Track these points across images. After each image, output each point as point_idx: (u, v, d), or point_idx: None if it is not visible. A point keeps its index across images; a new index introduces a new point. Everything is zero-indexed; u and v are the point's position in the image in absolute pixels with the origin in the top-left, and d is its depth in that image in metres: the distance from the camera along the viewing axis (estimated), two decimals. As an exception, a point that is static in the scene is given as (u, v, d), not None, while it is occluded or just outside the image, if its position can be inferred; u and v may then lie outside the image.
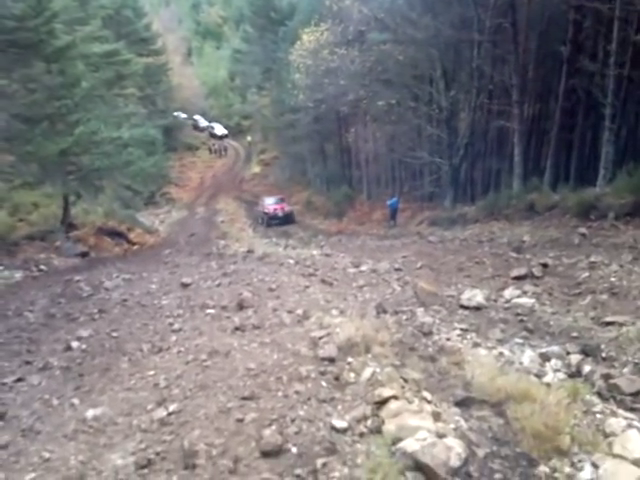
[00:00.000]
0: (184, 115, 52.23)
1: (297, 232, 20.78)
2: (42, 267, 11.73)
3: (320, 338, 5.09)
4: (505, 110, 17.54)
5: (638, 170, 10.84)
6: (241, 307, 7.03)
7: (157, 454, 3.39)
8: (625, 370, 3.97)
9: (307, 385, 4.14)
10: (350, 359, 4.52)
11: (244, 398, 4.01)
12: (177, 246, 16.48)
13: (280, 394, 4.03)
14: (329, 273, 9.26)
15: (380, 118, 24.21)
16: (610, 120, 12.64)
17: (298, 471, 3.01)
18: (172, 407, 4.02)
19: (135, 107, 25.52)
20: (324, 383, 4.17)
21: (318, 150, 33.52)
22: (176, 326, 6.55)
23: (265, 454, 3.20)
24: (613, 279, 6.26)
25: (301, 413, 3.67)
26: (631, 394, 3.60)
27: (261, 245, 16.35)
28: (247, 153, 48.58)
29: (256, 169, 43.12)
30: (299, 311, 6.39)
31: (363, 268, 9.60)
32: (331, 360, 4.56)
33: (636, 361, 4.06)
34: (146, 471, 3.23)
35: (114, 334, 6.45)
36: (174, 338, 6.05)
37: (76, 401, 4.51)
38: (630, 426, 3.25)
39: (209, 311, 7.06)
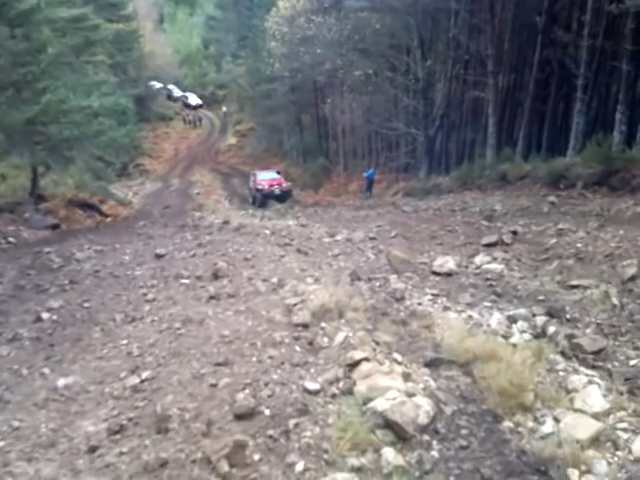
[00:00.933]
0: (160, 85, 50.89)
1: (273, 204, 20.67)
2: (11, 239, 11.44)
3: (294, 305, 5.14)
4: (480, 81, 17.54)
5: (607, 140, 11.06)
6: (216, 277, 7.02)
7: (130, 420, 3.41)
8: (588, 330, 4.11)
9: (281, 350, 4.19)
10: (324, 324, 4.58)
11: (218, 364, 4.03)
12: (151, 218, 16.24)
13: (254, 359, 4.06)
14: (305, 243, 9.28)
15: (357, 88, 24.00)
16: (582, 91, 12.79)
17: (270, 432, 3.06)
18: (145, 374, 4.03)
19: (105, 75, 24.62)
20: (298, 348, 4.23)
21: (295, 121, 33.14)
22: (150, 296, 6.52)
23: (238, 417, 3.24)
24: (579, 245, 6.43)
25: (274, 377, 3.72)
26: (593, 352, 3.74)
27: (237, 217, 16.25)
28: (222, 124, 47.71)
29: (232, 140, 42.46)
30: (274, 279, 6.42)
31: (338, 238, 9.65)
32: (305, 326, 4.61)
33: (598, 322, 4.21)
34: (118, 437, 3.25)
35: (86, 305, 6.38)
36: (147, 308, 6.03)
37: (47, 371, 4.47)
38: (591, 382, 3.39)
39: (183, 281, 7.03)
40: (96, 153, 18.12)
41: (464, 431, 3.06)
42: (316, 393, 3.46)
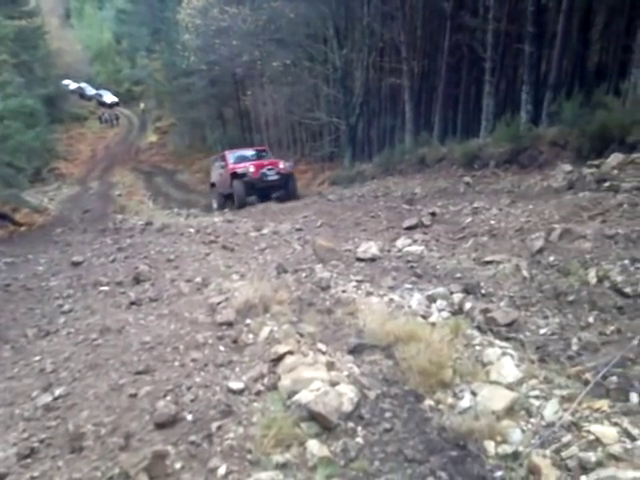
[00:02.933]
0: (75, 84, 48.28)
1: (199, 200, 20.21)
2: None
3: (218, 304, 5.03)
4: (396, 68, 17.94)
5: (515, 120, 11.67)
6: (137, 281, 6.78)
7: (41, 442, 3.19)
8: (501, 304, 4.29)
9: (204, 352, 4.07)
10: (248, 321, 4.50)
11: (138, 373, 3.86)
12: (70, 224, 15.42)
13: (176, 364, 3.93)
14: (230, 239, 9.14)
15: (276, 79, 23.83)
16: (490, 74, 13.37)
17: (193, 438, 2.96)
18: (58, 391, 3.79)
19: (9, 75, 22.87)
20: (222, 347, 4.13)
21: (217, 115, 32.56)
22: (66, 307, 6.20)
23: (159, 425, 3.11)
24: (493, 222, 6.72)
25: (197, 380, 3.61)
26: (506, 325, 3.90)
27: (162, 216, 15.73)
28: (141, 121, 45.98)
29: (153, 138, 41.04)
30: (198, 279, 6.27)
31: (265, 231, 9.58)
32: (229, 324, 4.52)
33: (511, 294, 4.40)
34: (29, 461, 3.03)
35: (-6, 322, 5.96)
36: (63, 320, 5.72)
37: (-52, 399, 4.11)
38: (504, 354, 3.52)
39: (102, 288, 6.74)
40: (4, 159, 16.94)
41: (388, 414, 3.10)
42: (240, 392, 3.39)
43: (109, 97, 49.91)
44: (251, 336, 4.22)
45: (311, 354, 3.70)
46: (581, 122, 9.75)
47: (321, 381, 3.28)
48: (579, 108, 10.30)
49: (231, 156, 15.99)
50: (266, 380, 3.51)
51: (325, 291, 5.30)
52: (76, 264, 8.38)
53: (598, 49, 17.03)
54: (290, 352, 3.72)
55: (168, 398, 3.38)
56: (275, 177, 14.45)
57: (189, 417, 3.17)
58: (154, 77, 40.67)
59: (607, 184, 6.84)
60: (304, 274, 6.06)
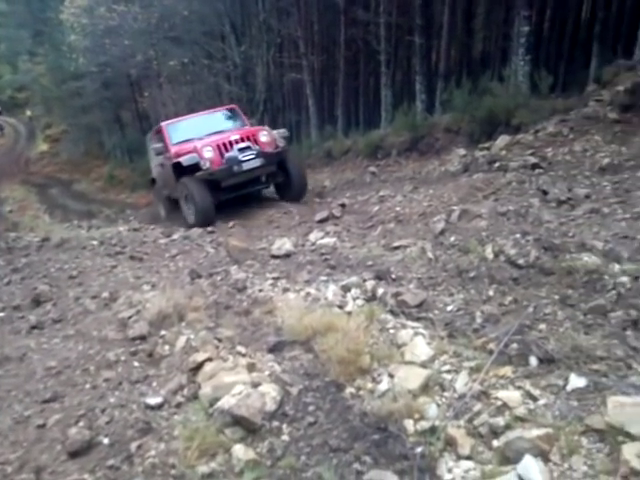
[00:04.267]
0: None
1: (102, 210, 19.20)
2: None
3: (129, 318, 4.79)
4: (296, 63, 18.05)
5: (411, 110, 12.22)
6: (37, 303, 6.27)
7: (-60, 492, 2.89)
8: (411, 286, 4.46)
9: (117, 370, 3.88)
10: (163, 332, 4.34)
11: (45, 401, 3.60)
12: (-45, 249, 13.99)
13: (88, 386, 3.71)
14: (138, 248, 8.72)
15: (175, 79, 23.19)
16: (385, 66, 13.87)
17: (111, 462, 2.81)
18: (-45, 433, 3.45)
19: None
20: (136, 363, 3.95)
21: (113, 119, 31.08)
22: (-43, 341, 5.64)
23: (73, 454, 2.93)
24: (398, 208, 6.98)
25: (112, 400, 3.43)
26: (416, 306, 4.06)
27: (60, 230, 14.67)
28: (29, 130, 42.82)
29: (43, 147, 38.42)
30: (105, 294, 5.92)
31: (175, 236, 9.25)
32: (142, 338, 4.33)
33: (419, 276, 4.59)
34: None
35: None
36: (-46, 355, 5.19)
37: None
38: (416, 334, 3.67)
39: (-2, 315, 6.19)
40: None
41: (311, 407, 3.12)
42: (159, 407, 3.27)
43: (-11, 106, 46.01)
44: (167, 347, 4.08)
45: (231, 358, 3.65)
46: (471, 108, 10.40)
47: (243, 384, 3.24)
48: (468, 95, 10.96)
49: (171, 131, 9.58)
50: (186, 391, 3.41)
51: (242, 292, 5.24)
52: (-35, 292, 7.62)
53: (481, 38, 18.11)
54: (209, 359, 3.64)
55: (81, 424, 3.19)
56: (256, 162, 8.56)
57: (105, 441, 3.01)
58: (39, 82, 37.98)
59: (497, 164, 7.34)
60: (219, 277, 5.94)
